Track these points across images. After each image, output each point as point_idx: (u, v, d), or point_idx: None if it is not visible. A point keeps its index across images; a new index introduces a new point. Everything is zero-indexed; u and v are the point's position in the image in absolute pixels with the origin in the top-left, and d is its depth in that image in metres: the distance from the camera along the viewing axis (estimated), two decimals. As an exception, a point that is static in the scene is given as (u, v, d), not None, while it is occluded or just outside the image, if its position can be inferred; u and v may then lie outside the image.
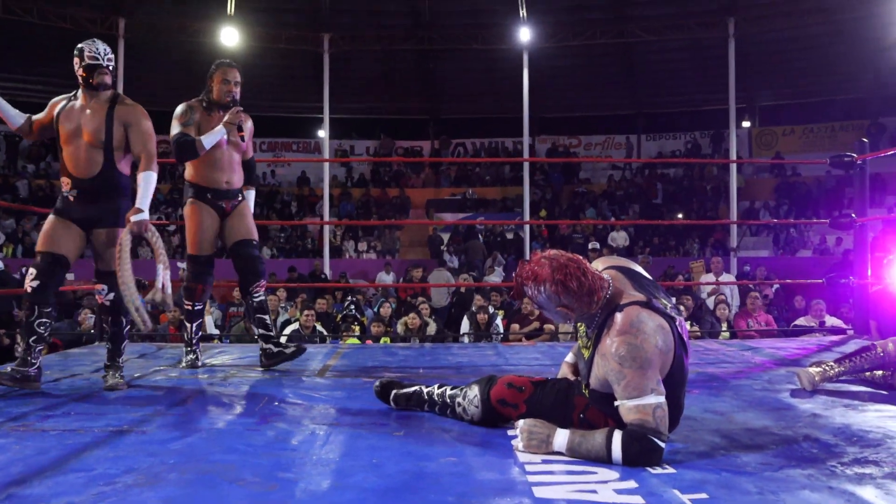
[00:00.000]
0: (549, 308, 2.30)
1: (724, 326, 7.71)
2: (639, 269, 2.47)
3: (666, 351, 2.19)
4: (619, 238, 17.13)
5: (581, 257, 2.32)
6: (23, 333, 3.29)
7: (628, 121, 23.34)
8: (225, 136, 3.88)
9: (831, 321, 7.08)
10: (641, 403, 2.12)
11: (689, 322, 7.79)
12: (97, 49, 3.37)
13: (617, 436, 2.11)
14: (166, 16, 17.99)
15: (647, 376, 2.13)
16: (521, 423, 2.30)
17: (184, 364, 3.96)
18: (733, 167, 16.07)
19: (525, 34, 17.55)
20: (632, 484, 1.92)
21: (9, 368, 3.25)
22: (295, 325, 7.99)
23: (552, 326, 8.02)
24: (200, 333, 4.13)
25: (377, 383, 3.02)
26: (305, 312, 7.94)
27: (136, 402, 2.99)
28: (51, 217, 3.39)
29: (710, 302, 8.42)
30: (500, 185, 21.33)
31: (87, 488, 1.82)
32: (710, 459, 2.16)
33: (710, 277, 8.83)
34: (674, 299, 2.51)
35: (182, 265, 6.86)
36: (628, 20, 18.38)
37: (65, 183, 3.37)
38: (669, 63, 20.80)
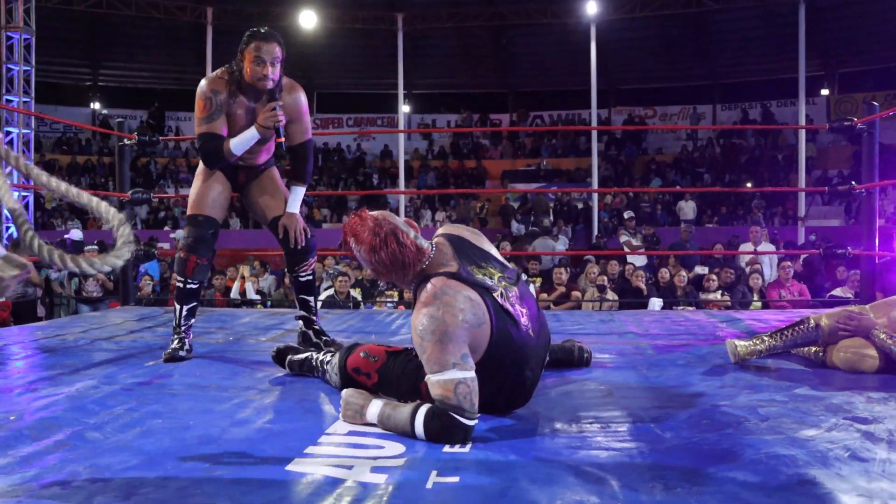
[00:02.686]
0: (365, 267, 2.30)
1: (756, 297, 7.43)
2: (473, 237, 2.40)
3: (476, 324, 2.11)
4: (687, 208, 16.66)
5: (405, 225, 2.26)
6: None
7: (704, 91, 22.56)
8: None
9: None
10: (443, 378, 2.03)
11: (720, 292, 7.56)
12: None
13: (422, 411, 2.04)
14: (250, 3, 18.86)
15: (448, 350, 2.04)
16: (343, 392, 2.30)
17: (164, 354, 3.23)
18: (801, 134, 15.27)
19: (592, 7, 17.39)
20: (397, 462, 1.85)
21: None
22: (330, 291, 8.13)
23: (578, 294, 7.98)
24: (192, 321, 3.37)
25: (273, 349, 3.08)
26: (339, 278, 8.02)
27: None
28: None
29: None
30: (573, 156, 21.13)
31: None
32: (525, 440, 2.05)
33: (749, 247, 8.50)
34: (515, 269, 2.42)
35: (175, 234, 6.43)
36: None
37: None
38: (744, 31, 19.99)
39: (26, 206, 13.55)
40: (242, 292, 8.77)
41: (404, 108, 22.60)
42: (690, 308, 7.14)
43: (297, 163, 3.32)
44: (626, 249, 9.87)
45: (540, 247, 13.80)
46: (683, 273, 7.71)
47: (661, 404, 2.38)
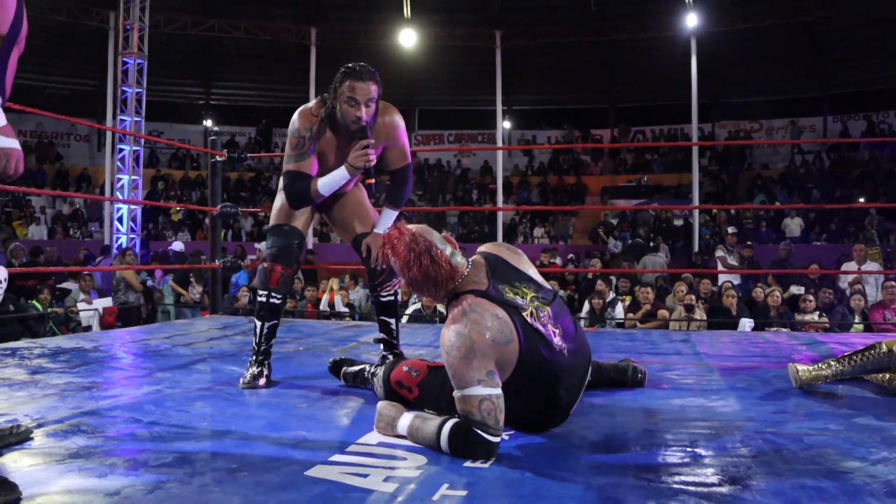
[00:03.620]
0: (400, 279, 2.35)
1: (858, 318, 7.06)
2: (512, 256, 2.41)
3: (503, 342, 2.11)
4: (793, 224, 15.99)
5: (442, 242, 2.27)
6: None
7: (814, 103, 21.57)
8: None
9: None
10: (467, 394, 2.05)
11: (817, 313, 7.23)
12: None
13: (448, 425, 2.05)
14: (351, 23, 19.56)
15: (473, 367, 2.05)
16: (379, 404, 2.33)
17: (242, 382, 3.00)
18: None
19: (692, 20, 17.07)
20: (412, 474, 1.87)
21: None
22: (417, 305, 8.23)
23: (665, 313, 7.81)
24: (271, 342, 3.15)
25: (330, 360, 3.16)
26: (427, 292, 8.09)
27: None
28: None
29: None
30: (675, 172, 20.64)
31: None
32: (547, 458, 2.03)
33: (853, 266, 8.08)
34: (551, 290, 2.36)
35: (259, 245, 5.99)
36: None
37: None
38: (853, 39, 18.99)
39: (133, 218, 14.42)
40: (331, 304, 8.99)
41: (504, 125, 22.79)
42: (784, 330, 6.86)
43: (395, 186, 3.15)
44: (720, 266, 9.57)
45: (649, 264, 13.57)
46: (777, 293, 7.40)
47: (702, 428, 2.31)
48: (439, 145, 23.89)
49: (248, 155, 5.97)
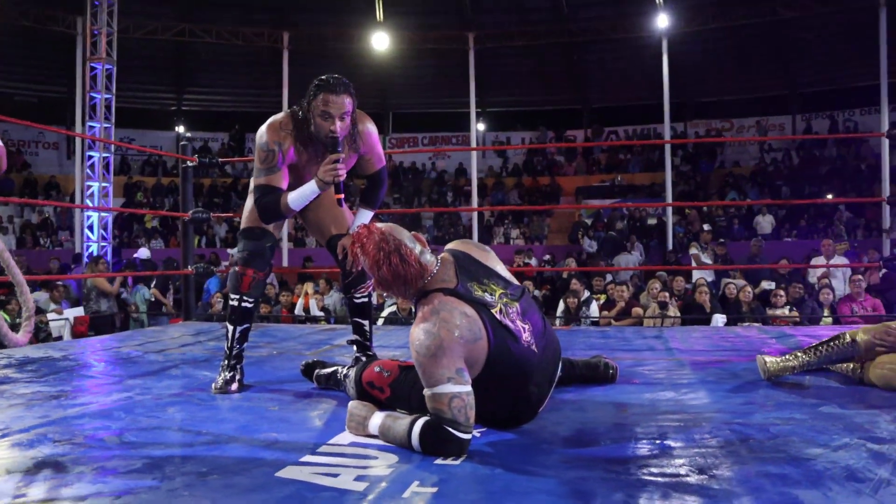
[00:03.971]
0: (369, 278, 2.32)
1: (827, 312, 7.16)
2: (480, 253, 2.43)
3: (472, 340, 2.12)
4: (764, 222, 16.20)
5: (411, 240, 2.27)
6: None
7: (782, 102, 21.86)
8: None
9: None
10: (437, 392, 2.05)
11: (788, 308, 7.33)
12: None
13: (418, 424, 2.06)
14: (324, 26, 19.49)
15: (442, 364, 2.06)
16: (350, 404, 2.33)
17: (214, 386, 2.98)
18: (885, 143, 14.62)
19: (662, 20, 17.18)
20: (383, 472, 1.88)
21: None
22: (393, 307, 8.21)
23: (639, 311, 7.87)
24: (243, 346, 3.12)
25: (302, 363, 3.15)
26: (401, 295, 8.11)
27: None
28: None
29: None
30: (649, 171, 20.80)
31: None
32: (519, 454, 2.04)
33: (822, 260, 8.19)
34: (519, 286, 2.39)
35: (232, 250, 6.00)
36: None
37: None
38: (822, 39, 19.28)
39: (105, 226, 14.30)
40: (306, 309, 8.96)
41: (479, 126, 22.84)
42: (756, 324, 6.94)
43: (371, 189, 3.18)
44: (694, 263, 9.66)
45: (623, 262, 13.75)
46: (748, 288, 7.49)
47: (671, 421, 2.33)
48: (413, 148, 23.90)
49: (220, 160, 5.94)
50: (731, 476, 1.78)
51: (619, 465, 1.90)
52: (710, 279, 8.32)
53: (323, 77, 2.84)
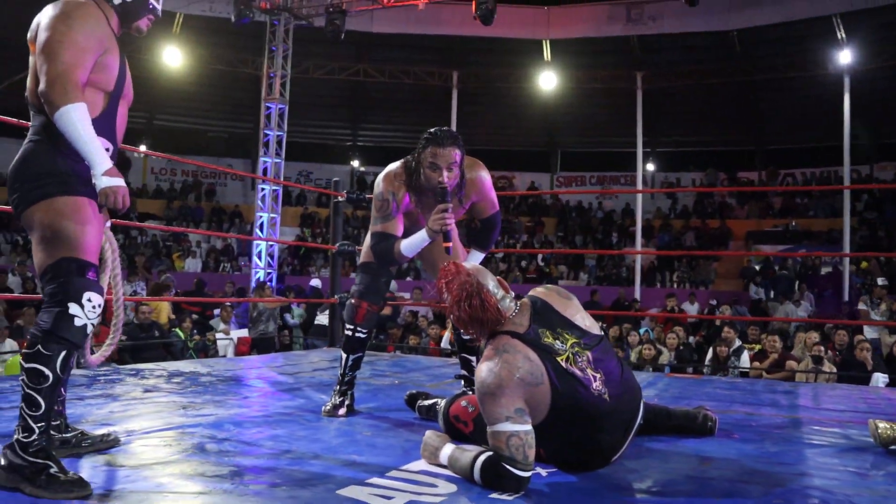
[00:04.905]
0: (449, 315, 2.41)
1: None
2: (560, 302, 2.44)
3: (533, 383, 2.17)
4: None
5: (496, 286, 2.35)
6: None
7: None
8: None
9: None
10: (496, 430, 2.12)
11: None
12: None
13: (481, 458, 2.13)
14: (492, 66, 20.08)
15: (501, 403, 2.13)
16: (426, 433, 2.44)
17: (324, 409, 3.18)
18: None
19: (845, 56, 16.15)
20: (434, 500, 1.97)
21: None
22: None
23: (793, 364, 7.45)
24: (355, 373, 3.28)
25: (406, 394, 3.31)
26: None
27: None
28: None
29: None
30: (827, 217, 19.53)
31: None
32: (572, 497, 2.07)
33: None
34: (597, 335, 2.38)
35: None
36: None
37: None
38: None
39: (271, 255, 15.40)
40: (452, 342, 9.17)
41: (648, 167, 22.51)
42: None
43: (484, 231, 3.35)
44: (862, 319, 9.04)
45: (785, 313, 13.07)
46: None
47: (748, 479, 2.26)
48: (581, 188, 23.82)
49: (365, 195, 6.26)
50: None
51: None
52: (871, 336, 7.74)
53: (432, 130, 3.00)
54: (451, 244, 3.04)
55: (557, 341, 2.28)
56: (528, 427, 2.13)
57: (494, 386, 2.15)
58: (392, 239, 3.09)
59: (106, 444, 2.38)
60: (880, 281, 10.69)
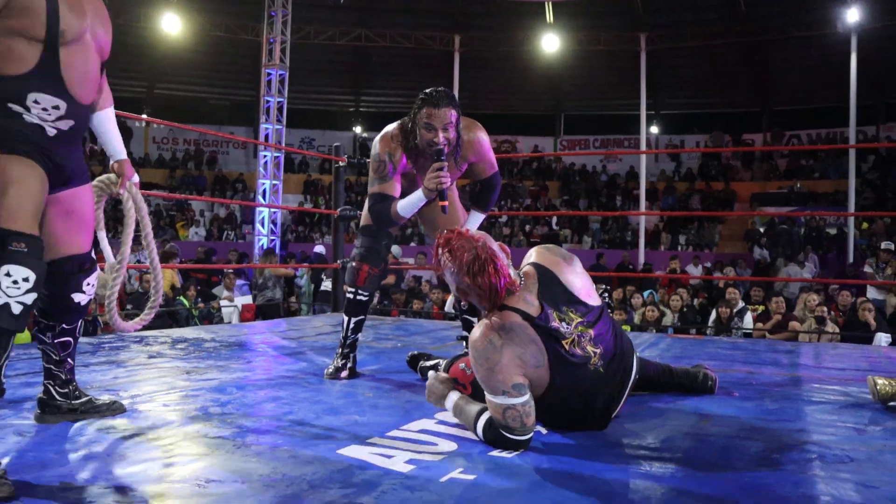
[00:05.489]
0: (449, 282, 2.31)
1: None
2: (564, 269, 2.37)
3: (533, 366, 2.16)
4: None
5: (501, 252, 2.26)
6: None
7: None
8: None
9: None
10: (493, 401, 2.13)
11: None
12: None
13: (484, 416, 2.15)
14: (494, 30, 19.93)
15: (497, 379, 2.12)
16: (429, 376, 2.44)
17: (326, 372, 3.22)
18: None
19: (853, 15, 15.94)
20: (434, 458, 1.99)
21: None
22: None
23: (797, 325, 7.47)
24: (358, 337, 3.30)
25: (408, 354, 3.34)
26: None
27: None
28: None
29: None
30: (832, 179, 19.43)
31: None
32: (569, 456, 2.07)
33: None
34: (598, 307, 2.35)
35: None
36: None
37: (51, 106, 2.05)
38: None
39: (274, 222, 15.44)
40: (455, 306, 9.19)
41: (652, 129, 22.37)
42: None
43: (483, 192, 3.32)
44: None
45: (789, 273, 13.08)
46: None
47: (746, 435, 2.28)
48: (585, 150, 23.72)
49: (366, 160, 6.24)
50: (777, 493, 1.75)
51: (663, 471, 1.92)
52: (874, 297, 7.74)
53: (427, 90, 2.97)
54: (446, 203, 3.01)
55: (563, 323, 2.24)
56: (525, 397, 2.13)
57: (494, 362, 2.14)
58: (389, 200, 3.08)
59: (111, 412, 2.39)
60: (884, 245, 10.62)
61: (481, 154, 3.20)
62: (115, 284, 2.48)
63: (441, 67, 20.47)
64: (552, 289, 2.30)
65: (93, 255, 2.30)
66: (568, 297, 2.30)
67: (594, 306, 2.35)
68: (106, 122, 2.38)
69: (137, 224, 2.46)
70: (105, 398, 2.43)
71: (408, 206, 3.05)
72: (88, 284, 2.25)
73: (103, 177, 2.44)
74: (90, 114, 2.27)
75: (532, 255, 2.45)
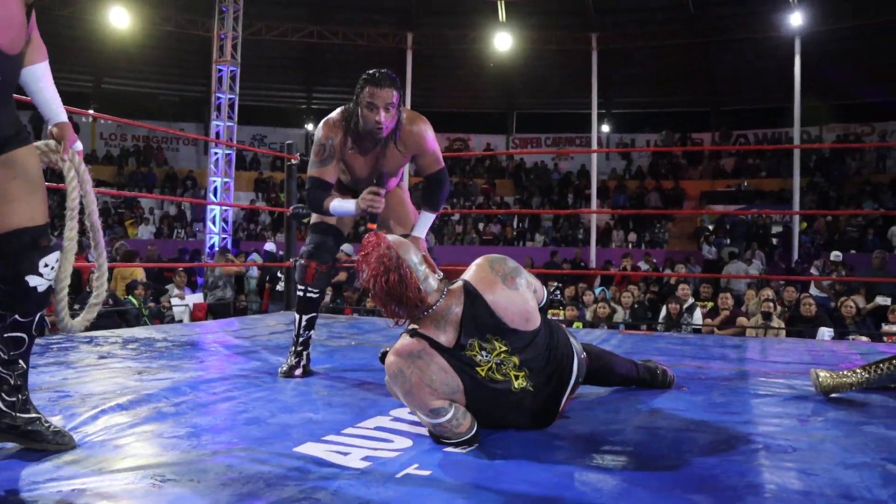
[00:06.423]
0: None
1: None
2: (496, 287, 2.24)
3: (447, 392, 2.14)
4: (902, 234, 15.21)
5: (419, 263, 2.18)
6: None
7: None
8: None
9: None
10: (421, 417, 2.17)
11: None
12: None
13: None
14: (447, 28, 19.92)
15: (414, 402, 2.14)
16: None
17: (280, 371, 3.20)
18: None
19: (796, 19, 16.42)
20: (390, 455, 2.01)
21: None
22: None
23: (744, 320, 7.65)
24: (311, 334, 3.29)
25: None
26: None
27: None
28: None
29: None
30: (778, 177, 19.91)
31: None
32: (527, 448, 2.11)
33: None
34: (531, 330, 2.24)
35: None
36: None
37: None
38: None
39: (225, 220, 15.27)
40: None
41: (604, 128, 22.64)
42: (864, 339, 6.62)
43: (431, 190, 3.22)
44: (813, 283, 9.30)
45: (735, 270, 13.32)
46: (852, 302, 7.14)
47: (695, 428, 2.34)
48: (536, 148, 23.91)
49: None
50: (722, 483, 1.80)
51: (614, 464, 1.96)
52: (817, 294, 7.98)
53: (370, 71, 2.93)
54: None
55: (483, 351, 2.18)
56: (449, 415, 2.10)
57: (406, 389, 2.14)
58: (326, 185, 3.08)
59: (57, 447, 2.00)
60: (833, 255, 10.93)
61: (423, 148, 3.14)
62: (99, 285, 2.27)
63: (394, 65, 20.32)
64: (478, 315, 2.20)
65: (49, 231, 1.96)
66: (495, 323, 2.20)
67: (525, 332, 2.24)
68: (40, 78, 2.06)
69: (81, 201, 2.12)
70: (55, 424, 2.07)
71: (339, 210, 3.04)
72: (47, 266, 1.92)
73: (40, 143, 2.09)
74: (19, 68, 1.96)
75: (472, 268, 2.34)
